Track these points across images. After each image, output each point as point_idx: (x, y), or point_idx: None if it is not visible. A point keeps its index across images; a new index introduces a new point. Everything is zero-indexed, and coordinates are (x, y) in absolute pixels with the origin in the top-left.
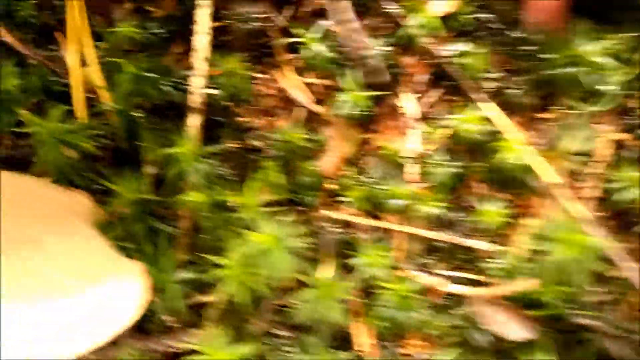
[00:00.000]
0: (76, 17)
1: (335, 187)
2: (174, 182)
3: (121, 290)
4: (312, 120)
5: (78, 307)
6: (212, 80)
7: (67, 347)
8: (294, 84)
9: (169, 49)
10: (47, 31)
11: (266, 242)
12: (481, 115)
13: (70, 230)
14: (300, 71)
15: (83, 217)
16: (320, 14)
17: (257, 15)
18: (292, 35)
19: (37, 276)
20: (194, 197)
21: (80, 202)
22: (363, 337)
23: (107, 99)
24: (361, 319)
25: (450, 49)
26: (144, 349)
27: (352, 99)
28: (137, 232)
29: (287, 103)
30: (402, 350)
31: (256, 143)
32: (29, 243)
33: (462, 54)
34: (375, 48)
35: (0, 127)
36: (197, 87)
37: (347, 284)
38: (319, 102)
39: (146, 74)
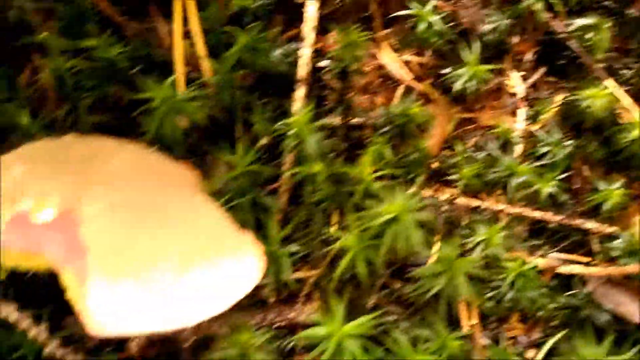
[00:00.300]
0: None
1: (441, 165)
2: (287, 153)
3: (239, 261)
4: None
5: (200, 277)
6: (320, 52)
7: (188, 316)
8: (393, 60)
9: (272, 19)
10: (140, 2)
11: (394, 212)
12: (603, 93)
13: (189, 200)
14: (395, 47)
15: (194, 187)
16: None
17: None
18: (392, 9)
19: (165, 246)
20: (312, 168)
21: (188, 172)
22: (472, 317)
23: (209, 71)
24: (471, 297)
25: (573, 24)
26: (254, 323)
27: (470, 72)
28: (243, 204)
29: (387, 79)
30: (509, 334)
31: (360, 118)
32: (156, 212)
33: (584, 30)
34: (492, 22)
35: (106, 92)
36: (305, 59)
37: (473, 259)
38: (417, 79)
39: (258, 44)
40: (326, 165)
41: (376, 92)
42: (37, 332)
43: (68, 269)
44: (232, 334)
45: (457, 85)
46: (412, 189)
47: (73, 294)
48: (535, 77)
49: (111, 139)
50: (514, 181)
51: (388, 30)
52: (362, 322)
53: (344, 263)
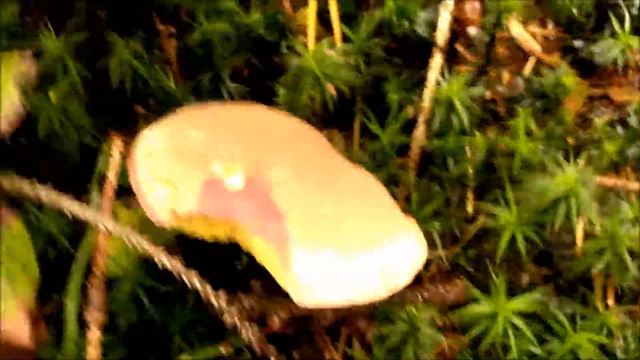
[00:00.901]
0: None
1: (576, 141)
2: (432, 124)
3: (411, 239)
4: (540, 71)
5: (373, 257)
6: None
7: (377, 289)
8: (521, 32)
9: None
10: None
11: (569, 185)
12: None
13: (354, 171)
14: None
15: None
16: None
17: None
18: None
19: (348, 215)
20: (475, 140)
21: (331, 142)
22: (608, 295)
23: (339, 38)
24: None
25: None
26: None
27: (621, 45)
28: (380, 177)
29: (514, 51)
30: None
31: (492, 90)
32: (331, 180)
33: None
34: None
35: (243, 59)
36: (444, 25)
37: (633, 235)
38: (545, 51)
39: (407, 6)
40: (482, 136)
41: (504, 64)
42: (217, 299)
43: (262, 235)
44: (399, 309)
45: (606, 58)
46: (581, 161)
47: (269, 261)
48: None
49: (260, 106)
50: None
51: (512, 2)
52: (525, 300)
53: (504, 240)
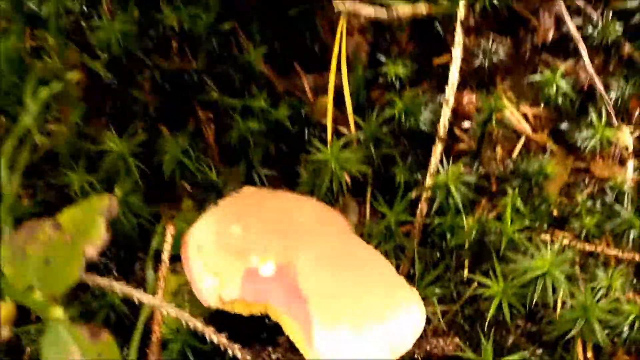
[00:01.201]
0: (342, 46)
1: (560, 213)
2: (431, 203)
3: (412, 310)
4: (529, 149)
5: (390, 325)
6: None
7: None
8: (512, 113)
9: (421, 83)
10: (284, 59)
11: (545, 268)
12: None
13: (366, 251)
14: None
15: (356, 235)
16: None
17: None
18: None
19: (362, 294)
20: (460, 219)
21: (346, 220)
22: (587, 351)
23: (353, 128)
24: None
25: None
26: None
27: (598, 136)
28: (388, 250)
29: (508, 131)
30: None
31: (485, 169)
32: (348, 262)
33: None
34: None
35: (271, 149)
36: (445, 119)
37: (604, 307)
38: (534, 130)
39: (412, 107)
40: (476, 218)
41: (497, 143)
42: None
43: (290, 315)
44: None
45: (585, 148)
46: (558, 244)
47: (295, 335)
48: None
49: (287, 194)
50: (633, 233)
51: (505, 84)
52: None
53: (492, 308)
